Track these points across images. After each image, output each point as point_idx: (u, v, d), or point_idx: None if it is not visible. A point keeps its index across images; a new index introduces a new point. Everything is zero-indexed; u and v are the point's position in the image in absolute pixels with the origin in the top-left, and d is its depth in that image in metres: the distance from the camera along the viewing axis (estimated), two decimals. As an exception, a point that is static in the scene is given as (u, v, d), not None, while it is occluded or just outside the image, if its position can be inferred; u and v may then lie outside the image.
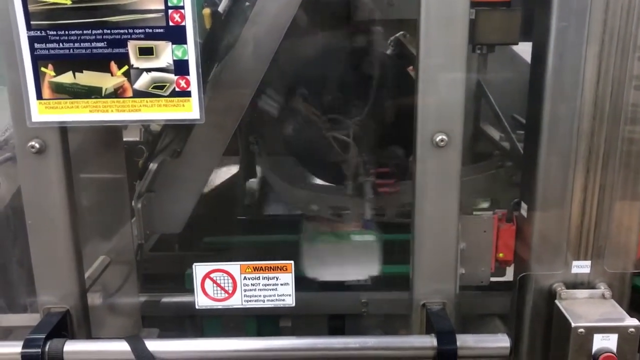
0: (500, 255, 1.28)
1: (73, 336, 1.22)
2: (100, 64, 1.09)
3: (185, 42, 1.08)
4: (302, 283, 1.76)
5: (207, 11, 1.36)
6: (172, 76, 1.10)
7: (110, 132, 1.43)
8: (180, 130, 1.40)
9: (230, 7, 1.32)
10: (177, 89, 1.10)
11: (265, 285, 1.21)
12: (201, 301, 1.22)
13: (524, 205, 1.25)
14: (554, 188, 1.21)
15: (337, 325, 1.89)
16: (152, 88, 1.10)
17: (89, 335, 1.27)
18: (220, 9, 1.32)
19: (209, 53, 1.29)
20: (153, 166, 1.38)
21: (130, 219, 1.48)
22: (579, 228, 1.21)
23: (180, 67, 1.09)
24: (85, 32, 1.08)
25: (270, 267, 1.20)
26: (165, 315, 1.75)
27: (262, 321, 1.87)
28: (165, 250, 1.98)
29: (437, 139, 1.12)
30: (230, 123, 1.41)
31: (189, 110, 1.11)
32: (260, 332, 1.88)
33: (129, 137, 1.71)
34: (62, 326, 1.21)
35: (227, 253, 2.10)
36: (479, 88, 1.72)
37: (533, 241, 1.24)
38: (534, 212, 1.23)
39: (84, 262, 1.47)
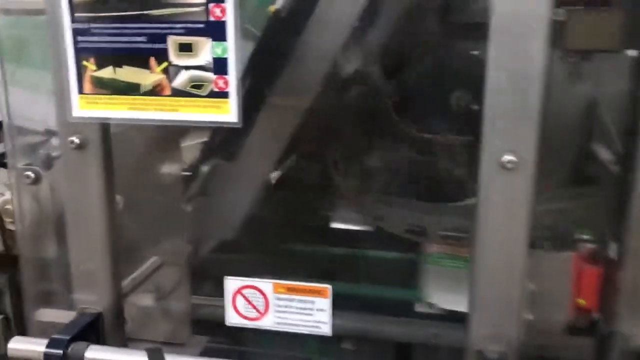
0: (581, 301, 1.08)
1: (104, 340, 1.19)
2: (140, 59, 1.04)
3: (225, 39, 1.00)
4: (368, 305, 1.64)
5: (273, 8, 1.28)
6: (210, 75, 1.02)
7: (170, 128, 1.38)
8: (233, 132, 1.33)
9: (291, 7, 1.22)
10: (215, 89, 1.02)
11: (300, 308, 1.10)
12: (231, 318, 1.13)
13: (613, 245, 1.04)
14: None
15: (404, 353, 1.74)
16: (191, 87, 1.03)
17: (122, 340, 1.23)
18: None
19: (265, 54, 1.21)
20: (204, 169, 1.32)
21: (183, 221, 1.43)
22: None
23: (220, 66, 1.01)
24: (126, 25, 1.03)
25: (306, 290, 1.08)
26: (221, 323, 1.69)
27: (324, 339, 1.76)
28: (231, 252, 1.92)
29: (505, 160, 0.95)
30: (287, 129, 1.31)
31: (227, 112, 1.03)
32: (320, 351, 1.77)
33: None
34: (94, 328, 1.17)
35: (301, 264, 2.01)
36: (590, 101, 1.49)
37: (623, 291, 1.02)
38: (625, 254, 1.02)
39: (136, 262, 1.46)
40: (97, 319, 1.18)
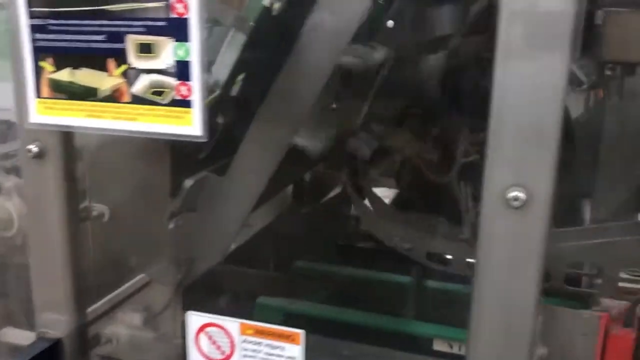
0: (611, 372, 0.88)
1: (65, 368, 1.08)
2: (98, 60, 0.92)
3: (188, 39, 0.86)
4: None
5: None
6: (172, 81, 0.88)
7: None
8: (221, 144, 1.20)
9: (285, 8, 1.07)
10: (177, 97, 0.89)
11: (269, 354, 0.95)
12: (193, 358, 0.99)
13: (650, 307, 0.84)
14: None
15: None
16: (151, 94, 0.90)
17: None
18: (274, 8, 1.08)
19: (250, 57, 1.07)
20: (188, 183, 1.19)
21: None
22: None
23: (182, 70, 0.87)
24: (84, 22, 0.91)
25: (275, 334, 0.93)
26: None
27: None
28: (241, 265, 1.79)
29: (511, 197, 0.77)
30: (281, 143, 1.17)
31: (189, 124, 0.89)
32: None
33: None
34: (53, 355, 1.07)
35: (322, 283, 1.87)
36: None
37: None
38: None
39: (122, 279, 1.35)
40: (56, 345, 1.07)
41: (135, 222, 1.30)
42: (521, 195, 0.76)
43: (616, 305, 0.91)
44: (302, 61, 1.09)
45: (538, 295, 0.81)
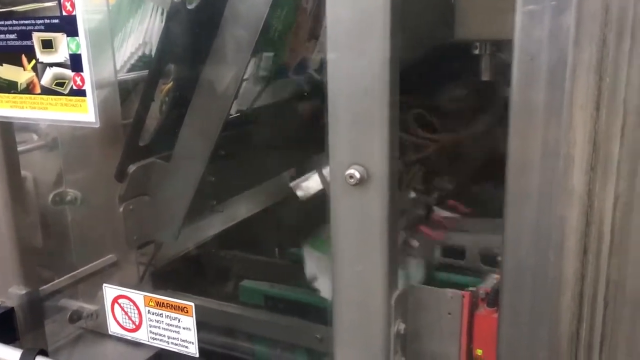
0: (478, 352, 0.87)
1: (19, 336, 1.20)
2: (15, 57, 1.02)
3: (77, 35, 0.94)
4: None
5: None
6: (69, 72, 0.97)
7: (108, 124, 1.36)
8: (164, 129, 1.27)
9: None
10: (74, 87, 0.97)
11: (169, 325, 1.02)
12: (112, 327, 1.08)
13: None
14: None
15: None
16: (55, 85, 0.99)
17: (36, 337, 1.23)
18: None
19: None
20: (131, 168, 1.27)
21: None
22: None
23: (75, 63, 0.96)
24: (1, 22, 1.01)
25: (172, 305, 1.00)
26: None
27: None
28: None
29: (347, 174, 0.79)
30: (212, 128, 1.23)
31: (85, 111, 0.97)
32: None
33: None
34: (8, 322, 1.19)
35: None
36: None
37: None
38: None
39: (91, 259, 1.46)
40: (9, 313, 1.19)
41: (97, 206, 1.40)
42: (355, 173, 0.78)
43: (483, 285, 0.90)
44: (224, 50, 1.15)
45: (390, 273, 0.82)
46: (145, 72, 1.33)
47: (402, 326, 0.85)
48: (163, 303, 1.01)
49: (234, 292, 1.72)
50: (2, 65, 1.04)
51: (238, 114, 1.53)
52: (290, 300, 1.72)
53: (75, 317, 1.44)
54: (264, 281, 1.74)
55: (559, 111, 0.68)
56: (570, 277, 0.72)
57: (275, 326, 1.39)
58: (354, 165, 0.79)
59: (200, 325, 1.07)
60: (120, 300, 1.05)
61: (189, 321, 0.99)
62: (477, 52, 0.87)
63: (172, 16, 1.11)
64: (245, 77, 1.23)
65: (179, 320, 1.00)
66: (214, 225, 1.74)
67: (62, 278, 1.34)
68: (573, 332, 0.73)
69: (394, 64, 0.75)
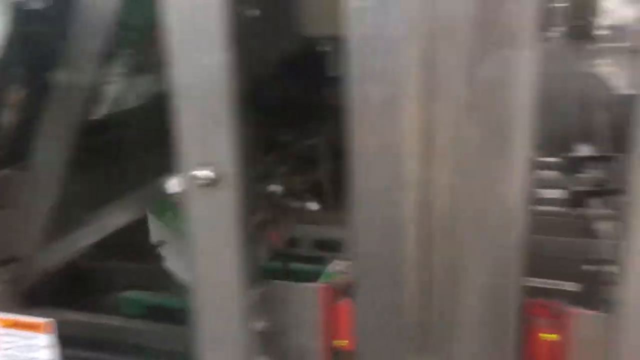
0: (343, 343, 0.89)
1: None
2: None
3: None
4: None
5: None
6: None
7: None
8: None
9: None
10: None
11: (26, 346, 0.96)
12: (-34, 353, 1.00)
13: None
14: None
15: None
16: None
17: None
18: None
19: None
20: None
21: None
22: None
23: None
24: None
25: (25, 325, 0.94)
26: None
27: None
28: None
29: (197, 175, 0.78)
30: (68, 134, 1.17)
31: None
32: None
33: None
34: None
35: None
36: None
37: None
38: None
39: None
40: None
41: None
42: (206, 174, 0.77)
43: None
44: (75, 52, 1.10)
45: (245, 272, 0.82)
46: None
47: (261, 324, 0.85)
48: (17, 323, 0.95)
49: (115, 304, 1.65)
50: None
51: (107, 118, 1.48)
52: (172, 307, 1.69)
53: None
54: (146, 290, 1.69)
55: (392, 104, 0.71)
56: (412, 263, 0.75)
57: (155, 334, 1.35)
58: (202, 166, 0.78)
59: (76, 342, 1.01)
60: (-30, 323, 0.98)
61: (46, 339, 0.94)
62: (320, 48, 0.89)
63: (16, 18, 1.05)
64: (108, 78, 1.18)
65: (36, 339, 0.95)
66: (89, 236, 1.66)
67: None
68: (418, 316, 0.77)
69: (236, 64, 0.75)
